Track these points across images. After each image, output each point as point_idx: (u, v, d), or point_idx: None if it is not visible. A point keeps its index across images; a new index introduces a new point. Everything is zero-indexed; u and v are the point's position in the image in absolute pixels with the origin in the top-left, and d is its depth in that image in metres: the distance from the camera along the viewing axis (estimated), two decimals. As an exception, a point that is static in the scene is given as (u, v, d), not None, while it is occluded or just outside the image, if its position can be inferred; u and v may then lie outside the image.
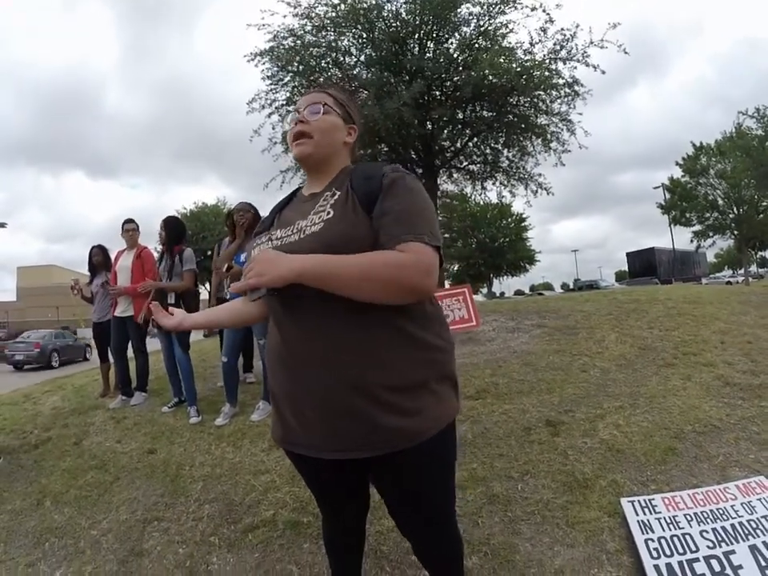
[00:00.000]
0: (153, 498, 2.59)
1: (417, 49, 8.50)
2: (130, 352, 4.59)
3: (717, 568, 1.62)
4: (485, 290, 39.05)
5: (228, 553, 2.06)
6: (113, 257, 4.80)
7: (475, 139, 9.66)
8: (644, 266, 37.81)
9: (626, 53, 7.86)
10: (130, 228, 4.56)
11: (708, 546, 1.72)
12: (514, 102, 8.61)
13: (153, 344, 4.75)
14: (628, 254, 42.29)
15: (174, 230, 4.17)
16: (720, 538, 1.75)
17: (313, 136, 1.20)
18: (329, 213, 1.10)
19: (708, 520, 1.85)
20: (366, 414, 1.04)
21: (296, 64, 8.14)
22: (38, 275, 60.89)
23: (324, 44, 8.33)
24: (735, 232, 23.36)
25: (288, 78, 8.50)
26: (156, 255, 4.50)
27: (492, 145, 9.76)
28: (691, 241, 25.79)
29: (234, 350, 3.77)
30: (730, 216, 23.05)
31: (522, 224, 34.38)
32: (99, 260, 4.98)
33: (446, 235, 31.23)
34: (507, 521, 2.07)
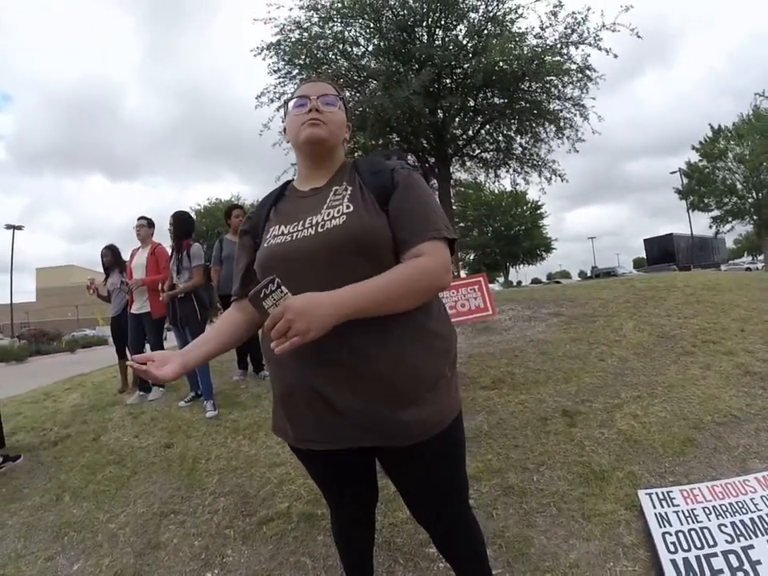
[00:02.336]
0: (169, 491, 2.62)
1: (425, 37, 8.43)
2: (147, 348, 4.64)
3: (735, 563, 1.57)
4: (501, 279, 38.79)
5: (243, 545, 2.07)
6: (127, 255, 4.87)
7: (487, 126, 9.59)
8: (662, 252, 36.98)
9: (638, 36, 7.73)
10: (138, 224, 4.62)
11: (726, 541, 1.66)
12: (526, 88, 8.52)
13: (170, 339, 4.80)
14: (645, 241, 41.33)
15: (182, 224, 4.18)
16: (739, 532, 1.69)
17: (327, 124, 1.17)
18: (348, 207, 1.09)
19: (727, 513, 1.79)
20: (393, 407, 1.05)
21: (303, 57, 8.12)
22: (57, 275, 62.15)
23: (331, 35, 8.31)
24: (755, 217, 22.87)
25: (296, 70, 8.48)
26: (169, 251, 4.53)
27: (504, 132, 9.72)
28: (710, 226, 25.43)
29: None
30: (749, 201, 22.59)
31: (538, 211, 34.02)
32: (109, 260, 5.07)
33: (461, 224, 31.09)
34: (522, 513, 2.04)
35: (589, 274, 46.18)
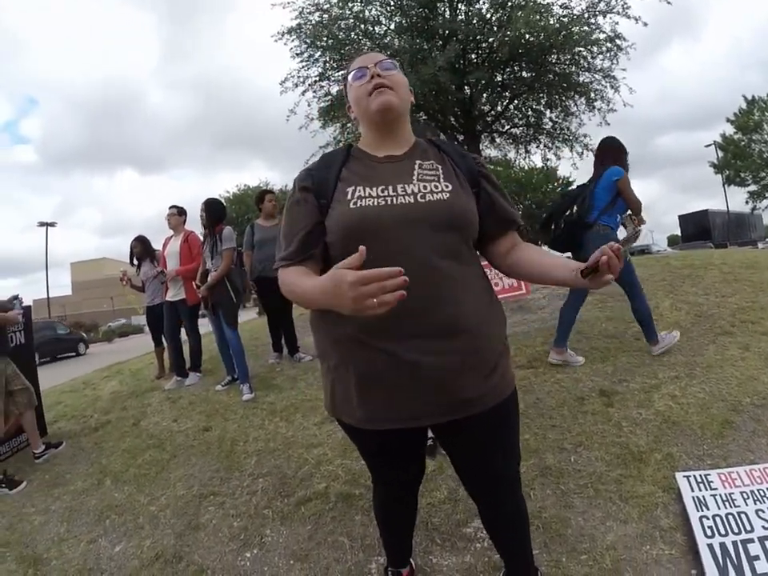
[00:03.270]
0: (208, 473, 2.69)
1: (448, 12, 8.22)
2: (183, 335, 4.77)
3: (772, 550, 1.53)
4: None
5: (281, 525, 2.12)
6: (157, 244, 4.97)
7: (516, 101, 9.40)
8: (697, 229, 35.61)
9: (668, 2, 7.36)
10: (169, 213, 4.71)
11: (763, 527, 1.64)
12: (554, 61, 8.27)
13: (205, 325, 4.91)
14: (680, 217, 39.86)
15: (214, 210, 4.20)
16: None
17: (394, 88, 1.15)
18: (447, 185, 1.12)
19: (764, 499, 1.76)
20: (479, 374, 1.10)
21: (325, 39, 8.04)
22: (91, 268, 63.83)
23: (351, 15, 8.19)
24: (793, 192, 21.75)
25: (318, 53, 8.42)
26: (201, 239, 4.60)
27: (533, 106, 9.52)
28: (746, 202, 24.22)
29: None
30: (787, 175, 21.50)
31: (569, 188, 33.25)
32: (139, 251, 5.17)
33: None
34: (560, 494, 2.03)
35: (621, 252, 44.71)
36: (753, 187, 23.05)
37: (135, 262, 5.23)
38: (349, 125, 9.44)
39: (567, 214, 3.42)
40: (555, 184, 33.12)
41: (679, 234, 42.26)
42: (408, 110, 1.24)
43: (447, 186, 1.12)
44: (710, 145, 26.57)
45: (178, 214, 4.74)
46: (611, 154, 3.47)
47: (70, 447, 3.48)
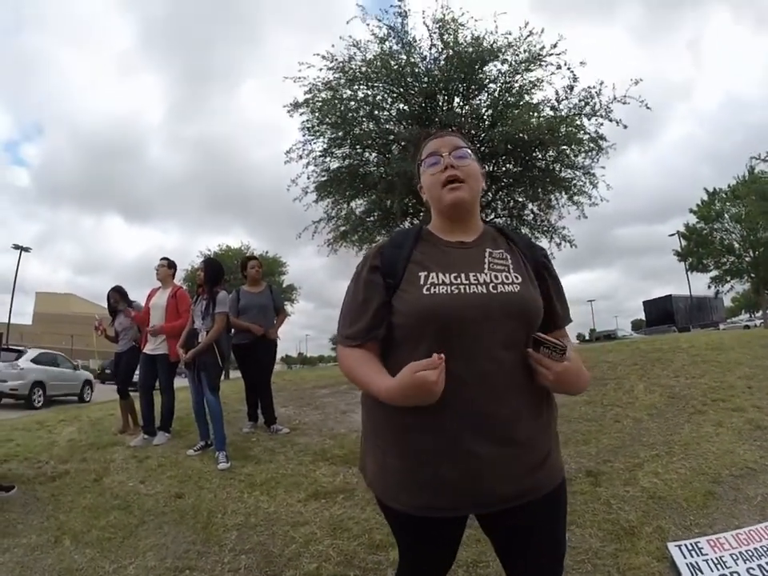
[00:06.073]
0: (183, 545, 2.48)
1: (446, 105, 8.72)
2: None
3: (766, 602, 1.70)
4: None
5: (271, 609, 1.96)
6: (136, 293, 4.89)
7: (501, 193, 9.79)
8: (661, 313, 37.18)
9: (647, 108, 8.04)
10: (159, 264, 4.70)
11: None
12: (539, 156, 8.77)
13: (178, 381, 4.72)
14: (645, 303, 41.72)
15: (214, 271, 4.17)
16: (766, 574, 1.80)
17: (466, 181, 1.17)
18: (517, 277, 1.13)
19: (753, 558, 1.89)
20: (536, 462, 1.11)
21: (332, 115, 8.37)
22: (55, 302, 61.02)
23: (359, 97, 8.63)
24: (752, 275, 23.12)
25: (324, 128, 8.75)
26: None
27: (517, 198, 9.89)
28: (708, 287, 25.47)
29: None
30: (747, 259, 22.96)
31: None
32: (116, 300, 5.03)
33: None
34: (559, 570, 2.01)
35: (587, 337, 46.21)
36: (714, 272, 24.37)
37: (110, 313, 5.09)
38: (341, 201, 9.74)
39: None
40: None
41: (643, 318, 43.90)
42: (479, 198, 1.26)
43: (517, 278, 1.13)
44: (673, 234, 28.39)
45: (168, 266, 4.72)
46: None
47: (23, 494, 3.17)
